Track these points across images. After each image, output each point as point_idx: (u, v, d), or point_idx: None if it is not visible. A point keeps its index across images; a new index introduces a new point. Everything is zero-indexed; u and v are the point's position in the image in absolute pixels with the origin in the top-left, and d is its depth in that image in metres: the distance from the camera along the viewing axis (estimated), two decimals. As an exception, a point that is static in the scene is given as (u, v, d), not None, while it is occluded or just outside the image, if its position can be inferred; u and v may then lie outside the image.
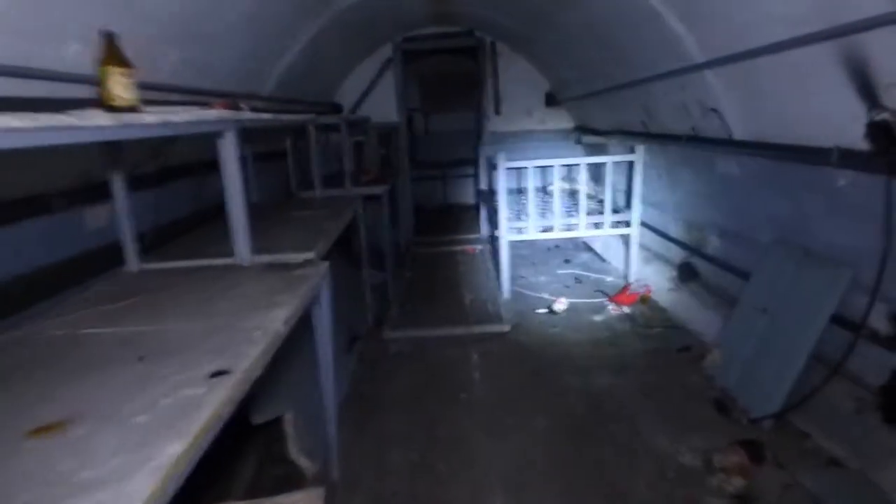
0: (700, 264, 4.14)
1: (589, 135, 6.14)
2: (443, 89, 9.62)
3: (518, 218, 4.91)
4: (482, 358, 3.84)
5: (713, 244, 3.99)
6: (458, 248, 6.92)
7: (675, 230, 4.60)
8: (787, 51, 2.35)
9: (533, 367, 3.63)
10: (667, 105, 3.85)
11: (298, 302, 1.92)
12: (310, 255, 2.49)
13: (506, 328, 4.22)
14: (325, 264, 2.39)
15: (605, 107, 5.29)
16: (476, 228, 7.68)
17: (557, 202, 4.63)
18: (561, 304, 4.57)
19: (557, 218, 4.66)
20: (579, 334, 4.12)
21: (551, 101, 6.93)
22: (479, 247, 6.80)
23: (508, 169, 4.65)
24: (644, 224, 4.84)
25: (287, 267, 2.31)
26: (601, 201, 5.27)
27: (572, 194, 5.97)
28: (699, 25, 2.88)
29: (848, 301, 2.60)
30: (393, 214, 7.12)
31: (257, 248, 2.45)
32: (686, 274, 4.19)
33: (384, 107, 7.02)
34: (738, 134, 3.16)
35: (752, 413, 2.78)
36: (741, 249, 3.61)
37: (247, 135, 4.28)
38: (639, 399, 3.16)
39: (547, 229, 4.76)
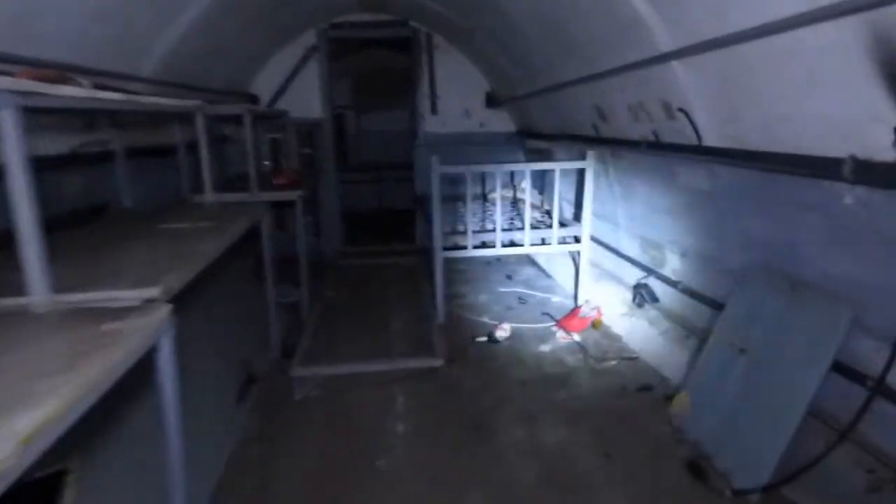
0: (658, 287, 3.65)
1: (533, 139, 5.62)
2: (378, 86, 8.91)
3: (455, 231, 4.28)
4: (409, 403, 3.17)
5: (673, 265, 3.51)
6: (391, 259, 6.24)
7: (628, 247, 4.12)
8: (783, 33, 1.84)
9: (470, 417, 3.00)
10: (623, 105, 3.34)
11: (93, 381, 1.19)
12: (152, 292, 1.74)
13: (439, 363, 3.57)
14: (166, 310, 1.64)
15: (551, 108, 4.76)
16: (411, 237, 7.02)
17: (499, 214, 4.04)
18: (503, 331, 3.98)
19: (499, 232, 4.06)
20: (525, 370, 3.53)
21: (492, 101, 6.38)
22: (413, 260, 6.13)
23: (444, 175, 4.02)
24: (594, 239, 4.34)
25: (106, 314, 1.56)
26: (547, 212, 4.73)
27: (515, 203, 5.42)
28: (668, 3, 2.34)
29: (850, 346, 2.12)
30: (315, 222, 6.37)
31: (74, 282, 1.68)
32: (642, 297, 3.70)
33: (308, 101, 6.23)
34: (711, 139, 2.66)
35: (735, 482, 2.26)
36: (708, 273, 3.14)
37: (116, 122, 3.47)
38: (597, 460, 2.59)
39: (488, 244, 4.15)
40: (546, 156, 5.51)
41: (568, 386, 3.32)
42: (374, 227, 8.19)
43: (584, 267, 4.22)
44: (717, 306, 3.00)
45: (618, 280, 4.25)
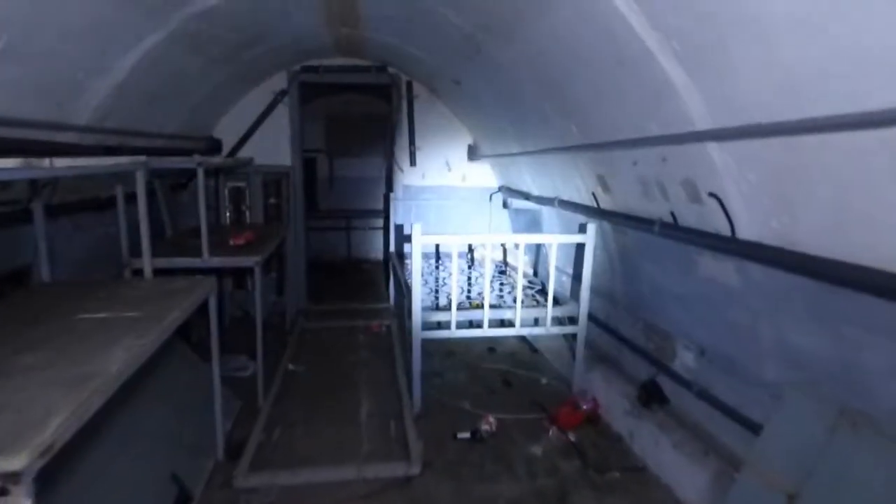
0: (668, 385, 3.20)
1: (518, 197, 5.22)
2: (351, 131, 8.50)
3: (436, 305, 3.77)
4: (377, 533, 2.59)
5: (685, 361, 3.07)
6: (361, 322, 5.66)
7: (628, 330, 3.68)
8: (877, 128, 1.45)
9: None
10: (633, 178, 2.94)
11: None
12: (13, 463, 1.18)
13: (415, 470, 3.01)
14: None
15: (543, 169, 4.38)
16: (384, 295, 6.49)
17: (487, 291, 3.56)
18: (488, 426, 3.45)
19: (487, 309, 3.57)
20: (515, 482, 2.98)
21: (475, 154, 6.01)
22: (386, 322, 5.58)
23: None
24: (590, 316, 3.89)
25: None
26: (539, 290, 4.27)
27: (504, 268, 4.96)
28: (711, 73, 1.96)
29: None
30: (279, 278, 5.79)
31: None
32: (650, 396, 3.23)
33: (276, 147, 5.74)
34: (747, 232, 2.26)
35: None
36: (732, 382, 2.69)
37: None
38: None
39: (474, 324, 3.65)
40: (533, 217, 5.11)
41: (567, 507, 2.80)
42: (343, 279, 7.63)
43: (579, 353, 3.75)
44: (745, 424, 2.55)
45: (617, 367, 3.78)
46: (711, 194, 2.32)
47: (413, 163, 6.02)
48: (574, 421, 3.53)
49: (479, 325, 3.59)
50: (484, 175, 6.13)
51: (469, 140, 6.06)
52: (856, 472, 1.89)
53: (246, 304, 5.72)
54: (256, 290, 3.61)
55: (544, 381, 4.25)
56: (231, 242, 3.83)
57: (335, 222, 8.68)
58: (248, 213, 5.50)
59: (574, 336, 3.74)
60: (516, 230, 5.71)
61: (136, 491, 2.31)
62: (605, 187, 3.35)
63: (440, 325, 3.61)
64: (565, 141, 3.48)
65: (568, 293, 4.17)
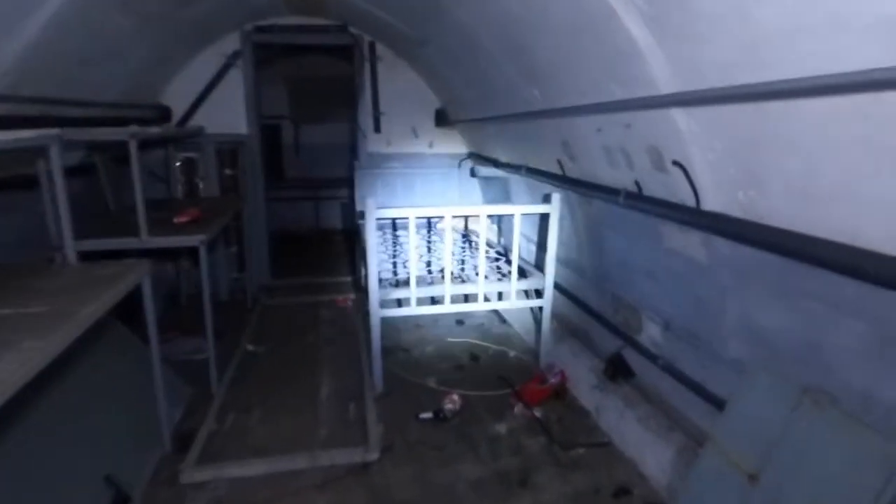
0: (635, 359, 3.11)
1: (487, 165, 5.01)
2: (316, 95, 8.13)
3: (396, 281, 3.60)
4: (331, 524, 2.48)
5: (651, 334, 2.97)
6: (326, 297, 5.49)
7: (596, 302, 3.57)
8: (853, 93, 1.29)
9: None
10: (598, 146, 2.77)
11: None
12: None
13: (373, 455, 2.90)
14: None
15: (509, 135, 4.18)
16: (351, 266, 6.32)
17: (448, 264, 3.39)
18: (452, 404, 3.34)
19: (449, 284, 3.41)
20: (478, 463, 2.89)
21: (443, 120, 5.75)
22: (351, 296, 5.42)
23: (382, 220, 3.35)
24: (557, 287, 3.77)
25: None
26: (503, 255, 4.12)
27: (466, 237, 4.79)
28: (677, 33, 1.77)
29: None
30: (240, 254, 5.55)
31: None
32: (616, 369, 3.14)
33: (231, 114, 5.41)
34: (713, 203, 2.11)
35: None
36: (698, 357, 2.60)
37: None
38: None
39: (436, 300, 3.50)
40: (501, 185, 4.93)
41: (530, 487, 2.71)
42: (310, 252, 7.40)
43: (545, 326, 3.63)
44: (710, 399, 2.46)
45: (586, 341, 3.69)
46: (676, 163, 2.16)
47: (377, 129, 5.74)
48: (540, 395, 3.44)
49: (441, 301, 3.43)
50: (452, 142, 5.88)
51: (437, 105, 5.79)
52: (816, 451, 1.81)
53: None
54: (203, 272, 3.39)
55: (512, 354, 4.16)
56: (175, 220, 3.58)
57: (302, 192, 8.39)
58: (201, 186, 5.20)
59: (541, 309, 3.61)
60: (486, 199, 5.53)
61: (62, 498, 2.14)
62: (571, 155, 3.17)
63: (400, 303, 3.45)
64: (530, 106, 3.27)
65: (534, 264, 4.03)
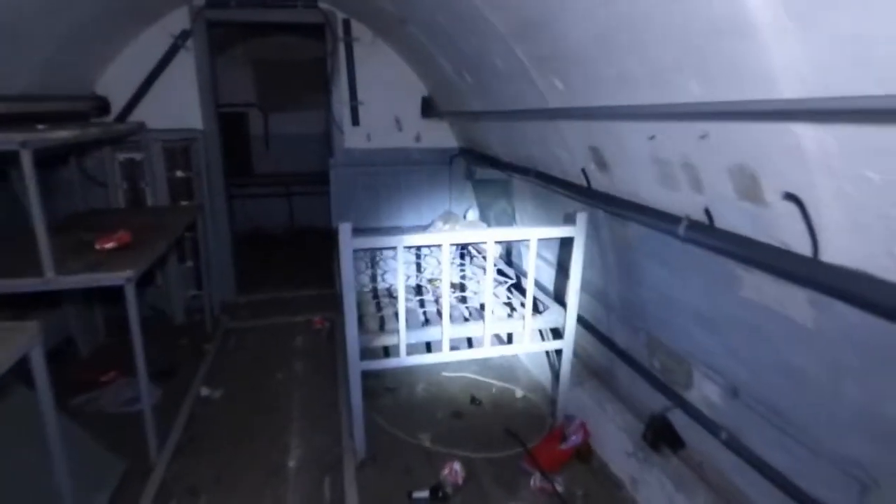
0: (683, 422, 2.46)
1: (484, 165, 4.29)
2: (288, 80, 7.27)
3: (379, 320, 2.89)
4: None
5: (707, 396, 2.32)
6: (301, 316, 4.78)
7: (624, 340, 2.91)
8: None
9: None
10: (648, 158, 2.08)
11: None
12: None
13: (353, 562, 2.23)
14: None
15: (514, 135, 3.46)
16: (328, 277, 5.58)
17: (447, 301, 2.69)
18: (453, 475, 2.68)
19: (447, 326, 2.72)
20: (489, 571, 2.25)
21: (431, 109, 5.01)
22: (330, 315, 4.70)
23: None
24: (578, 319, 3.10)
25: None
26: (506, 277, 3.43)
27: (464, 252, 4.09)
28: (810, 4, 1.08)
29: None
30: (196, 268, 4.79)
31: None
32: (658, 435, 2.50)
33: (182, 106, 4.61)
34: (839, 253, 1.44)
35: None
36: (781, 438, 1.95)
37: None
38: None
39: (431, 345, 2.81)
40: (502, 190, 4.22)
41: None
42: (283, 257, 6.65)
43: (565, 370, 2.97)
44: (798, 497, 1.83)
45: (611, 385, 3.04)
46: (790, 195, 1.47)
47: (356, 121, 4.98)
48: (560, 459, 2.80)
49: (439, 347, 2.74)
50: (442, 134, 5.14)
51: (424, 92, 5.04)
52: None
53: (158, 300, 4.74)
54: (131, 316, 2.64)
55: (520, 394, 3.50)
56: (98, 246, 2.83)
57: (274, 188, 7.60)
58: (147, 192, 4.41)
59: (558, 353, 2.95)
60: (480, 204, 4.83)
61: None
62: (602, 164, 2.48)
63: (387, 352, 2.75)
64: (546, 101, 2.57)
65: (551, 293, 3.35)
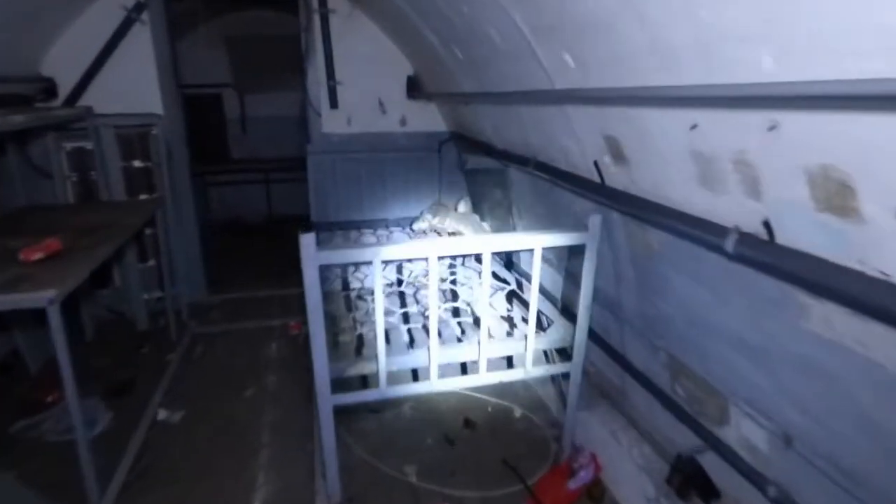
0: (717, 466, 2.08)
1: (477, 153, 3.84)
2: (264, 59, 6.73)
3: (356, 340, 2.47)
4: None
5: (746, 438, 1.93)
6: (277, 320, 4.36)
7: (641, 359, 2.51)
8: None
9: None
10: (684, 152, 1.65)
11: None
12: None
13: None
14: None
15: (512, 119, 3.01)
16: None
17: (434, 320, 2.26)
18: (443, 522, 2.29)
19: (435, 349, 2.30)
20: None
21: (417, 89, 4.54)
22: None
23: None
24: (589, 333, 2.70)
25: None
26: (512, 294, 3.00)
27: (455, 258, 3.66)
28: None
29: None
30: (158, 266, 4.34)
31: None
32: (688, 482, 2.11)
33: (138, 87, 4.11)
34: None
35: None
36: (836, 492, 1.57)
37: None
38: None
39: (417, 372, 2.39)
40: (498, 179, 3.78)
41: None
42: (260, 249, 6.20)
43: (572, 396, 2.57)
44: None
45: (621, 406, 2.65)
46: (908, 212, 1.06)
47: (334, 103, 4.49)
48: (568, 500, 2.42)
49: (427, 375, 2.33)
50: (430, 118, 4.68)
51: (409, 71, 4.56)
52: None
53: (118, 303, 4.29)
54: (58, 346, 2.21)
55: (519, 413, 3.12)
56: (22, 257, 2.38)
57: (252, 175, 7.12)
58: (100, 184, 3.93)
59: (565, 376, 2.55)
60: (473, 194, 4.39)
61: None
62: (618, 157, 2.05)
63: (365, 382, 2.33)
64: (552, 81, 2.12)
65: (556, 300, 2.94)
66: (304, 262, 1.92)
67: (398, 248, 2.07)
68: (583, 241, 2.21)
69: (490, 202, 4.13)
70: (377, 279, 2.05)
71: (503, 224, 3.90)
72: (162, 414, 3.12)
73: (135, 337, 4.09)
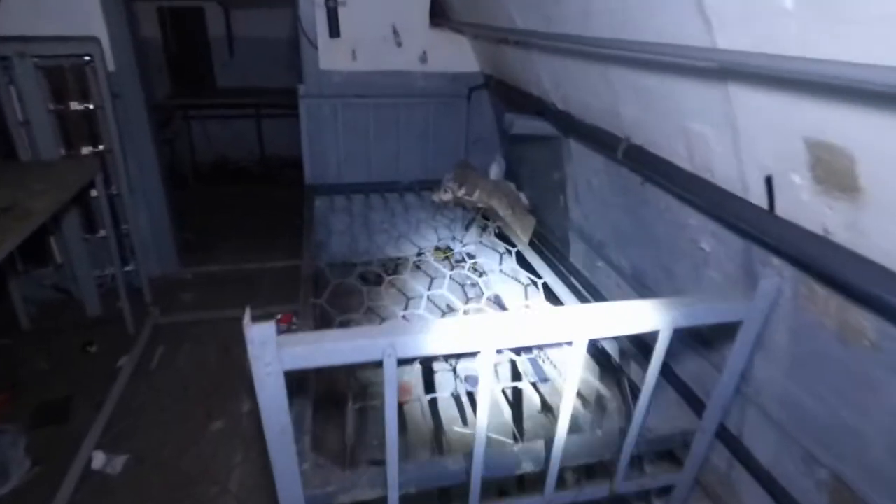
0: None
1: (527, 112, 2.80)
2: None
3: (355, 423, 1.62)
4: None
5: None
6: (260, 309, 3.52)
7: (785, 471, 1.67)
8: None
9: None
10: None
11: None
12: None
13: None
14: None
15: (595, 75, 2.00)
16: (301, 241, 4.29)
17: (482, 438, 1.38)
18: None
19: (479, 462, 1.45)
20: None
21: (443, 15, 3.44)
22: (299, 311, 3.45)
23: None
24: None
25: None
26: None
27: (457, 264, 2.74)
28: None
29: None
30: (117, 234, 3.47)
31: None
32: None
33: (70, 4, 3.07)
34: None
35: None
36: None
37: None
38: None
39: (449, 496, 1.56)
40: (552, 152, 2.79)
41: None
42: (251, 203, 5.30)
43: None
44: None
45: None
46: None
47: (335, 31, 3.41)
48: None
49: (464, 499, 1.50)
50: (459, 54, 3.60)
51: (432, -12, 3.44)
52: None
53: (63, 280, 3.48)
54: None
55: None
56: None
57: (242, 109, 6.08)
58: (20, 137, 2.99)
59: (664, 489, 1.71)
60: (512, 160, 3.41)
61: None
62: (837, 180, 1.11)
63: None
64: (714, 35, 1.14)
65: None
66: (258, 368, 1.04)
67: (429, 336, 1.15)
68: (738, 318, 1.30)
69: (533, 171, 3.18)
70: (389, 390, 1.15)
71: (550, 208, 2.96)
72: (98, 460, 2.36)
73: (84, 325, 3.31)
